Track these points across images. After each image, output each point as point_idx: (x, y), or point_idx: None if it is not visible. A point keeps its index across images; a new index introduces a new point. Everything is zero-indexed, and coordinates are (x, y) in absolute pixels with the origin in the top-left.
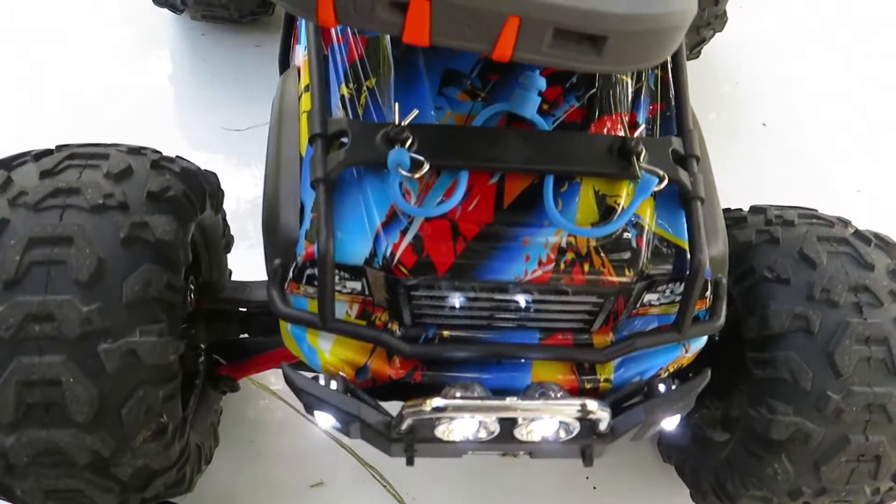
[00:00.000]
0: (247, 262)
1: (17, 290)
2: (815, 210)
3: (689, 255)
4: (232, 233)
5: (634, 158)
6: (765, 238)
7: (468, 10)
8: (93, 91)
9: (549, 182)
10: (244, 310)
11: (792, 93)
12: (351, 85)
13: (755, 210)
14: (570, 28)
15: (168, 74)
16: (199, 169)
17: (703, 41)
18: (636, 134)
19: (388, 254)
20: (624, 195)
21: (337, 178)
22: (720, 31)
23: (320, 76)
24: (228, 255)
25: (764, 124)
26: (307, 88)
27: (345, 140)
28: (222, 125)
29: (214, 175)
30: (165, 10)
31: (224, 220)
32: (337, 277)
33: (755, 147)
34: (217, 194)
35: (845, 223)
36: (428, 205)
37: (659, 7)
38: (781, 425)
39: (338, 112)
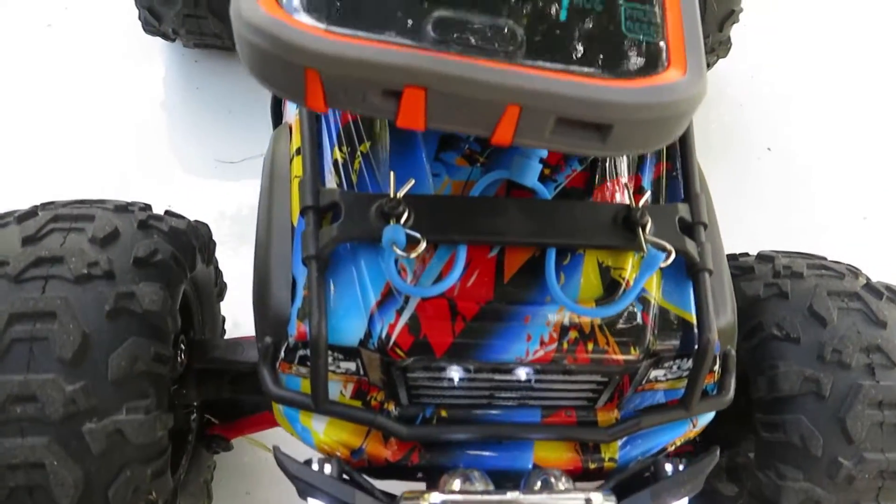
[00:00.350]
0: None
1: None
2: (825, 259)
3: (696, 331)
4: (224, 265)
5: (640, 230)
6: (773, 292)
7: (465, 98)
8: (84, 119)
9: (552, 256)
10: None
11: (797, 117)
12: (345, 148)
13: (762, 258)
14: (573, 118)
15: (160, 103)
16: (189, 224)
17: (708, 66)
18: (641, 202)
19: (383, 336)
20: (629, 267)
21: (330, 253)
22: (724, 57)
23: (312, 141)
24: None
25: (769, 148)
26: (299, 151)
27: (338, 212)
28: (215, 157)
29: (205, 226)
30: (157, 38)
31: (216, 269)
32: (330, 358)
33: (760, 172)
34: (208, 247)
35: (855, 273)
36: (425, 282)
37: (666, 96)
38: (791, 492)
39: (330, 177)
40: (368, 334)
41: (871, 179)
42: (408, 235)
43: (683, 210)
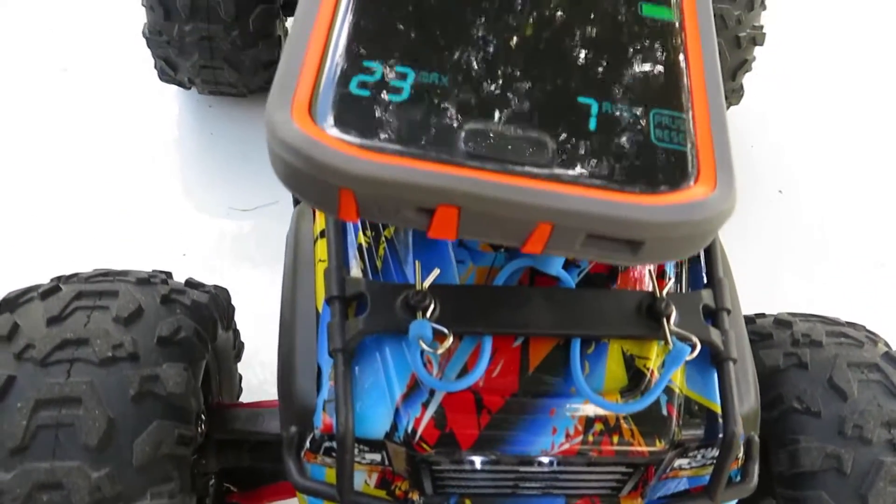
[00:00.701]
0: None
1: (24, 456)
2: (843, 324)
3: (721, 421)
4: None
5: (665, 321)
6: (792, 362)
7: (498, 216)
8: (97, 162)
9: (577, 348)
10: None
11: (809, 159)
12: (369, 233)
13: (780, 324)
14: (604, 235)
15: (174, 148)
16: (211, 293)
17: None
18: (665, 289)
19: (409, 429)
20: (653, 356)
21: (356, 345)
22: (737, 104)
23: (336, 227)
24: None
25: (780, 191)
26: (323, 234)
27: (364, 303)
28: (229, 204)
29: (225, 291)
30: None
31: (235, 332)
32: (356, 450)
33: (771, 215)
34: (227, 312)
35: (874, 341)
36: (450, 374)
37: (697, 214)
38: None
39: (355, 263)
40: (394, 427)
41: (887, 225)
42: (434, 329)
43: (707, 297)
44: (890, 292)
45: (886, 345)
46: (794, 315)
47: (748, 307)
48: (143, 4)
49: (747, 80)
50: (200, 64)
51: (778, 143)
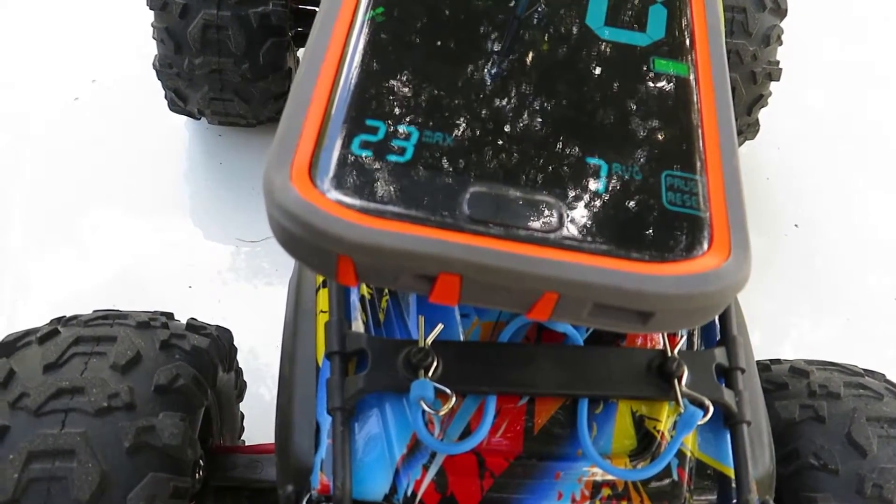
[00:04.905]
0: None
1: None
2: (861, 373)
3: (734, 485)
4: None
5: (676, 382)
6: (809, 415)
7: (501, 285)
8: (106, 190)
9: (584, 410)
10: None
11: (825, 193)
12: (372, 286)
13: (796, 373)
14: (612, 305)
15: (183, 177)
16: (212, 336)
17: None
18: (677, 347)
19: (409, 493)
20: (664, 418)
21: (356, 403)
22: (752, 139)
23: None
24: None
25: (796, 225)
26: (325, 284)
27: (364, 359)
28: (237, 235)
29: (227, 332)
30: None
31: (237, 371)
32: None
33: (787, 250)
34: (229, 354)
35: (894, 393)
36: (452, 433)
37: (710, 285)
38: None
39: (357, 315)
40: (394, 489)
41: None
42: (436, 389)
43: (720, 355)
44: None
45: None
46: (810, 363)
47: (764, 345)
48: (153, 37)
49: (763, 112)
50: (210, 96)
51: (794, 178)
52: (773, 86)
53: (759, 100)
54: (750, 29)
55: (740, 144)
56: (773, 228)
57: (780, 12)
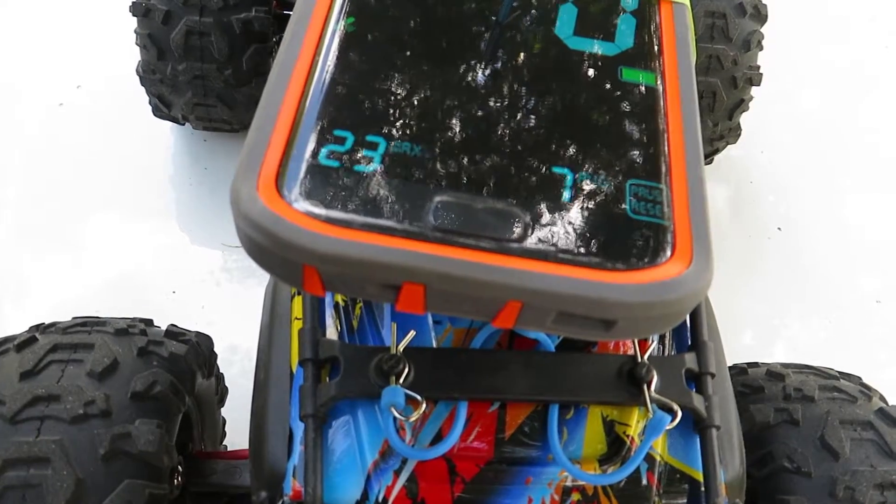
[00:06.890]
0: None
1: None
2: (836, 376)
3: (703, 489)
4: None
5: (644, 387)
6: (784, 418)
7: (465, 294)
8: (91, 195)
9: (554, 416)
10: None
11: (808, 196)
12: None
13: (772, 376)
14: (575, 314)
15: (168, 182)
16: (191, 343)
17: (717, 151)
18: (646, 353)
19: (380, 499)
20: (634, 423)
21: (328, 410)
22: (734, 143)
23: None
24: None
25: (779, 228)
26: (299, 292)
27: (337, 366)
28: (222, 240)
29: (208, 339)
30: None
31: (217, 377)
32: None
33: (769, 253)
34: (209, 360)
35: (868, 396)
36: (424, 439)
37: (672, 293)
38: None
39: (331, 322)
40: (365, 495)
41: (885, 263)
42: (407, 395)
43: (690, 360)
44: (887, 329)
45: (882, 399)
46: (786, 366)
47: (744, 346)
48: (136, 44)
49: (747, 116)
50: (194, 102)
51: (777, 181)
52: (756, 89)
53: (741, 104)
54: (730, 34)
55: (722, 148)
56: (756, 231)
57: (761, 18)
